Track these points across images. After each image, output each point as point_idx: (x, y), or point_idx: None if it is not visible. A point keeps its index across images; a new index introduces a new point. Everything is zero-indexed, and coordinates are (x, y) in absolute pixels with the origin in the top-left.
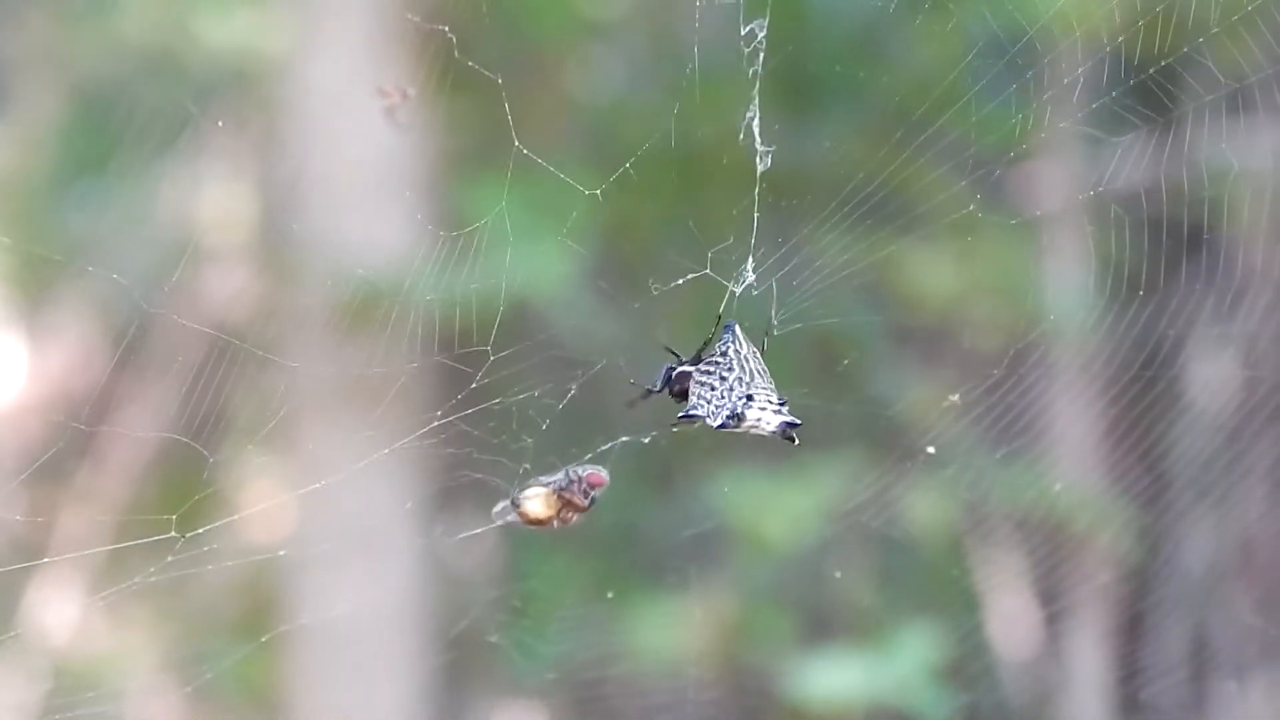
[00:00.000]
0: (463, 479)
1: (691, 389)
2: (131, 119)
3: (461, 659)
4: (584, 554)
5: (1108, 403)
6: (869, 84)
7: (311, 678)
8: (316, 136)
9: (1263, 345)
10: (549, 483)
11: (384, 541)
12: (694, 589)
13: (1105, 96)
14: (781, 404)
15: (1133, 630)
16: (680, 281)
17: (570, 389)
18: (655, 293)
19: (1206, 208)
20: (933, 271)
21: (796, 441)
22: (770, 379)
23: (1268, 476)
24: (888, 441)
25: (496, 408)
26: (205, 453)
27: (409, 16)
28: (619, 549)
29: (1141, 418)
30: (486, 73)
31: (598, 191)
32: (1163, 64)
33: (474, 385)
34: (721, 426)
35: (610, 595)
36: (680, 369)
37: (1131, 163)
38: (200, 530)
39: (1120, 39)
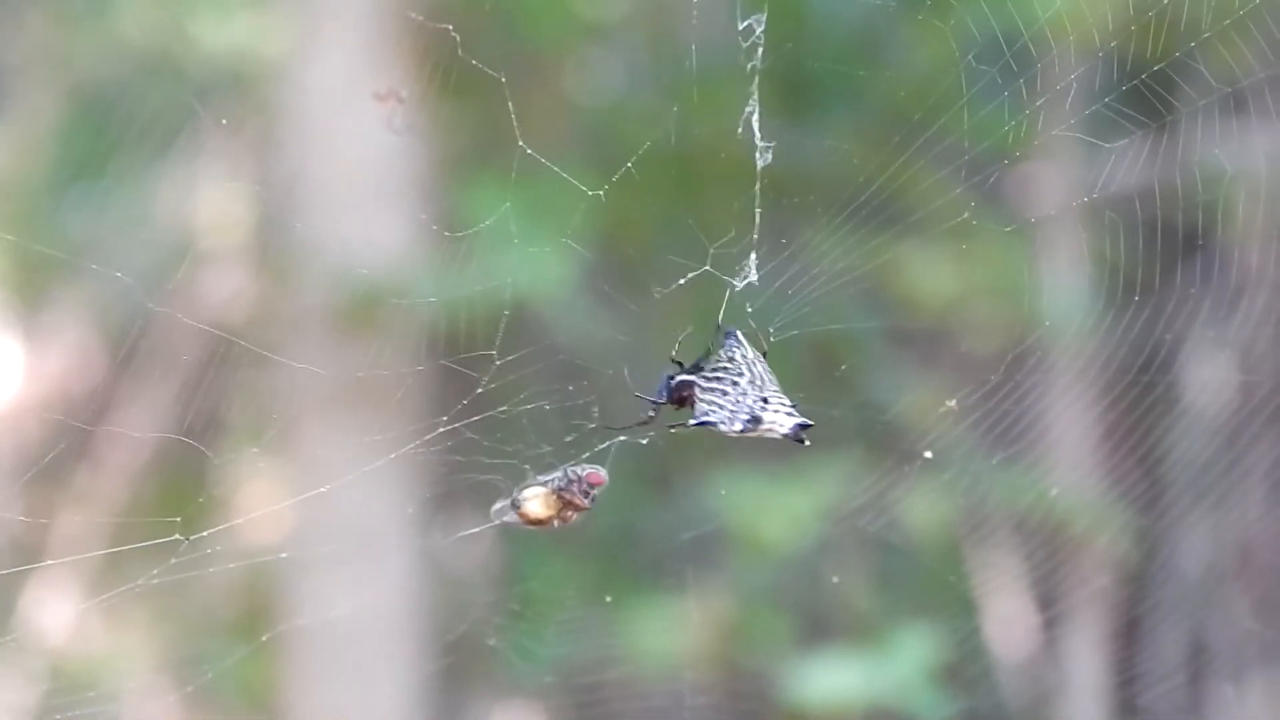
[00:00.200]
0: (462, 481)
1: (698, 397)
2: (131, 120)
3: (460, 661)
4: (582, 556)
5: (1105, 406)
6: (868, 84)
7: (310, 679)
8: (315, 137)
9: (1259, 348)
10: (548, 482)
11: (383, 543)
12: (692, 591)
13: (1099, 103)
14: (793, 406)
15: (1130, 633)
16: (682, 281)
17: (582, 401)
18: (658, 296)
19: (1201, 211)
20: (930, 275)
21: (807, 443)
22: (777, 382)
23: (1265, 479)
24: (886, 445)
25: (503, 416)
26: (209, 453)
27: (411, 15)
28: (617, 551)
29: (1139, 421)
30: (491, 72)
31: (600, 192)
32: (1155, 69)
33: (480, 390)
34: (742, 432)
35: (608, 599)
36: (680, 378)
37: (1127, 167)
38: (205, 533)
39: (1113, 43)
